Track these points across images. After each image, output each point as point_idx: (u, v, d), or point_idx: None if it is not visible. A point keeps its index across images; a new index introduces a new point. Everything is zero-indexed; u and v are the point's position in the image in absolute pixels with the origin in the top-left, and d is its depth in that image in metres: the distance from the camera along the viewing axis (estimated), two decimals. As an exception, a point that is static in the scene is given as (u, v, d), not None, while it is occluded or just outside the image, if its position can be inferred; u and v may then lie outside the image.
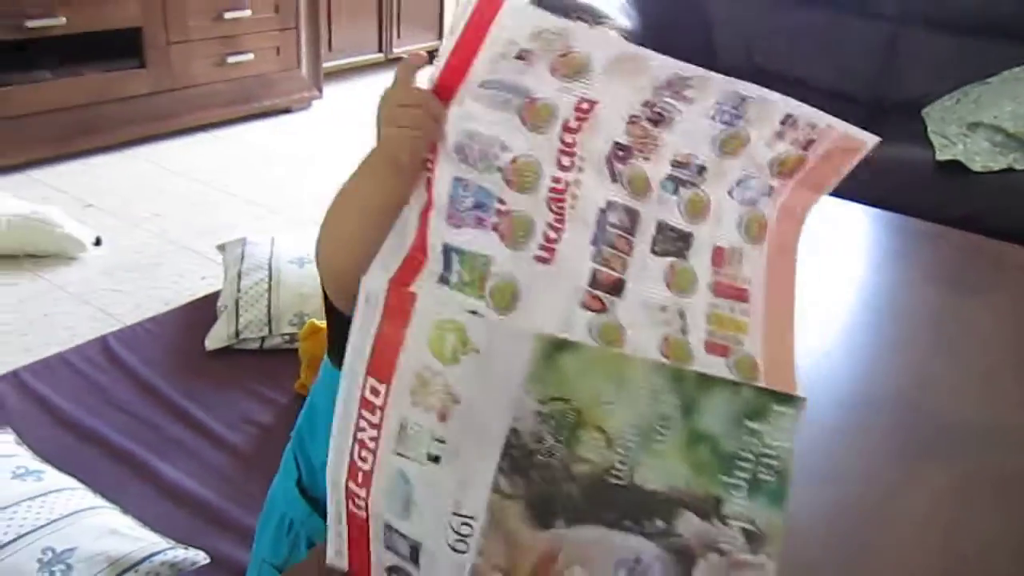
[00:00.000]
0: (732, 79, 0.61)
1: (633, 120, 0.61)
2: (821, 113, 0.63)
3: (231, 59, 3.37)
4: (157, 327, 2.03)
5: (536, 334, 0.57)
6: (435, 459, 0.58)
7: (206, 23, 3.25)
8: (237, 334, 1.93)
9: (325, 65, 3.82)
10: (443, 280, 0.59)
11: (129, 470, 1.58)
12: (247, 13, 3.38)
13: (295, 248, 2.10)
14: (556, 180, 0.60)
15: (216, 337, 1.95)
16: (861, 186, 2.17)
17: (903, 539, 0.74)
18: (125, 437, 1.66)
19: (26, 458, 1.48)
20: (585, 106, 0.59)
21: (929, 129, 2.35)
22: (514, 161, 0.59)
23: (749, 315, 0.63)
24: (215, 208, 2.77)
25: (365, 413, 0.59)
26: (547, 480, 0.58)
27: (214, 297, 2.10)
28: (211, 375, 1.87)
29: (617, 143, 0.61)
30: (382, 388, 0.58)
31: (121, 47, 3.05)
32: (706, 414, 0.59)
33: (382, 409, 0.58)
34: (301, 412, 0.99)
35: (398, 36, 4.22)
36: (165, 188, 2.88)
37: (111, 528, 1.32)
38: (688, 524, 0.58)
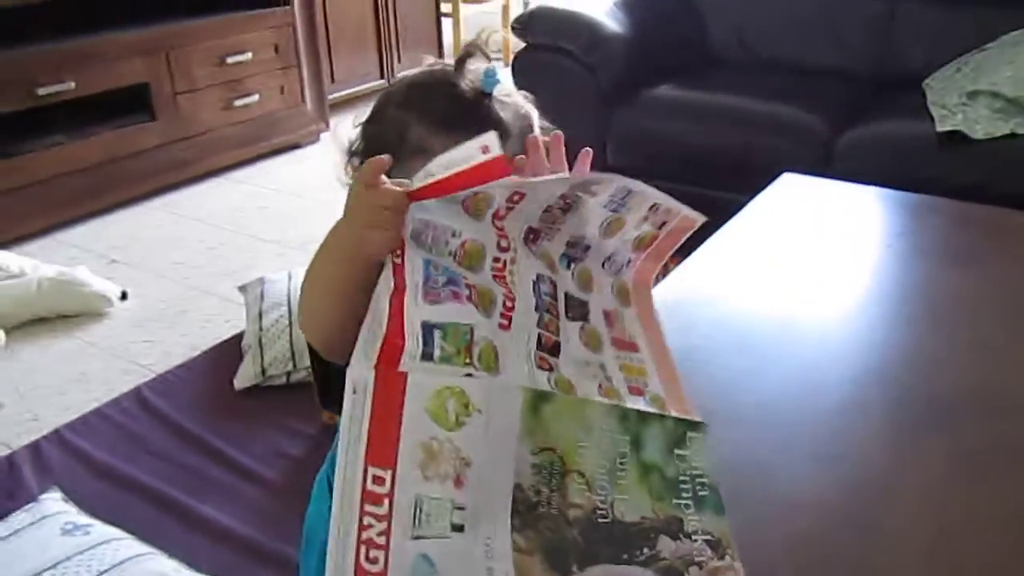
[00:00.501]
0: (628, 180, 0.69)
1: (547, 209, 0.68)
2: (676, 202, 0.73)
3: (237, 103, 3.45)
4: (187, 373, 2.09)
5: (523, 387, 0.61)
6: (459, 528, 0.59)
7: (210, 70, 3.33)
8: (263, 372, 1.98)
9: (330, 97, 3.88)
10: (427, 356, 0.60)
11: (171, 514, 1.63)
12: (248, 56, 3.45)
13: (313, 283, 2.14)
14: (496, 260, 0.66)
15: (244, 376, 2.00)
16: (865, 166, 2.18)
17: (903, 514, 0.76)
18: (164, 482, 1.71)
19: (73, 514, 1.54)
20: (516, 198, 0.65)
21: (929, 101, 2.34)
22: (463, 244, 0.64)
23: (644, 362, 0.71)
24: (234, 251, 2.83)
25: (370, 507, 0.58)
26: (552, 529, 0.61)
27: (239, 338, 2.16)
28: (242, 414, 1.92)
29: (529, 227, 0.68)
30: (387, 474, 0.58)
31: (130, 103, 3.13)
32: (648, 447, 0.65)
33: (389, 497, 0.58)
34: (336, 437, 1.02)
35: (399, 61, 4.28)
36: (184, 236, 2.95)
37: (159, 573, 1.37)
38: (666, 546, 0.64)
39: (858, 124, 2.30)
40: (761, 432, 0.87)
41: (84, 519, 1.52)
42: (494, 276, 0.65)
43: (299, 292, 0.74)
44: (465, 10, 4.88)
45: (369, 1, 4.13)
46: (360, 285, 0.65)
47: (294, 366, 1.99)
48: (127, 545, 1.45)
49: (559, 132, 0.79)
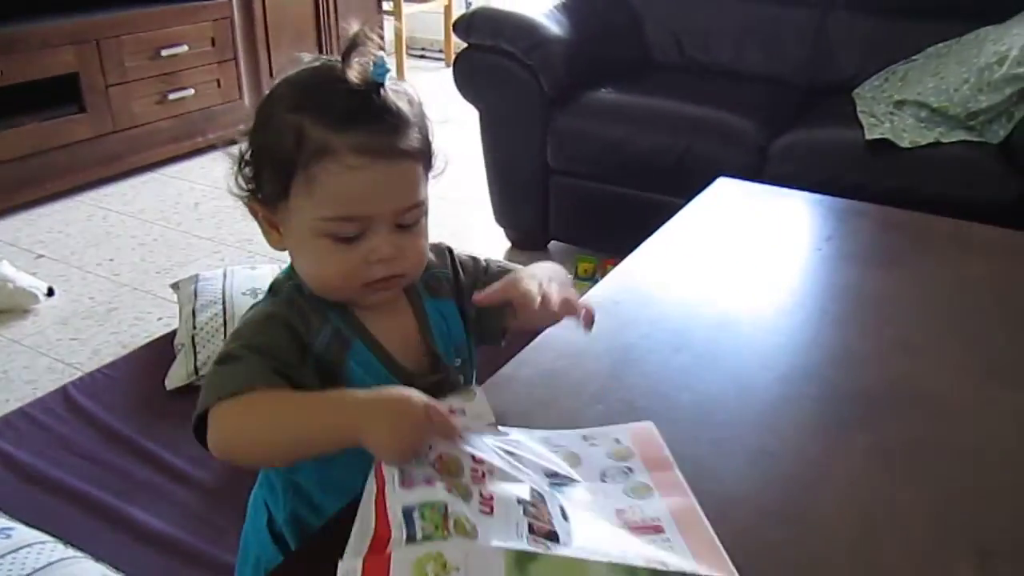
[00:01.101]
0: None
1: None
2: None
3: (172, 96, 3.37)
4: (116, 372, 2.03)
5: (507, 550, 0.62)
6: None
7: (143, 63, 3.25)
8: (196, 371, 1.95)
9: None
10: (410, 538, 0.62)
11: (99, 517, 1.59)
12: (184, 49, 3.38)
13: (248, 280, 2.11)
14: (474, 469, 0.69)
15: (175, 376, 1.96)
16: (797, 170, 2.23)
17: (830, 506, 0.78)
18: (92, 485, 1.66)
19: (-7, 516, 1.49)
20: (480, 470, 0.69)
21: (859, 109, 2.41)
22: (440, 457, 0.68)
23: (670, 541, 0.71)
24: (167, 247, 2.77)
25: None
26: None
27: (171, 336, 2.11)
28: (173, 414, 1.88)
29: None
30: None
31: (59, 94, 3.04)
32: None
33: None
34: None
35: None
36: (115, 232, 2.88)
37: (84, 577, 1.33)
38: None
39: (791, 130, 2.36)
40: (697, 429, 0.88)
41: (4, 522, 1.47)
42: (473, 480, 0.68)
43: (241, 415, 0.72)
44: (407, 9, 4.86)
45: (309, -4, 4.08)
46: (326, 454, 0.72)
47: (228, 365, 1.95)
48: (51, 548, 1.40)
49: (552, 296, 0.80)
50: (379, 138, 0.74)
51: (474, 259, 0.93)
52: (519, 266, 0.91)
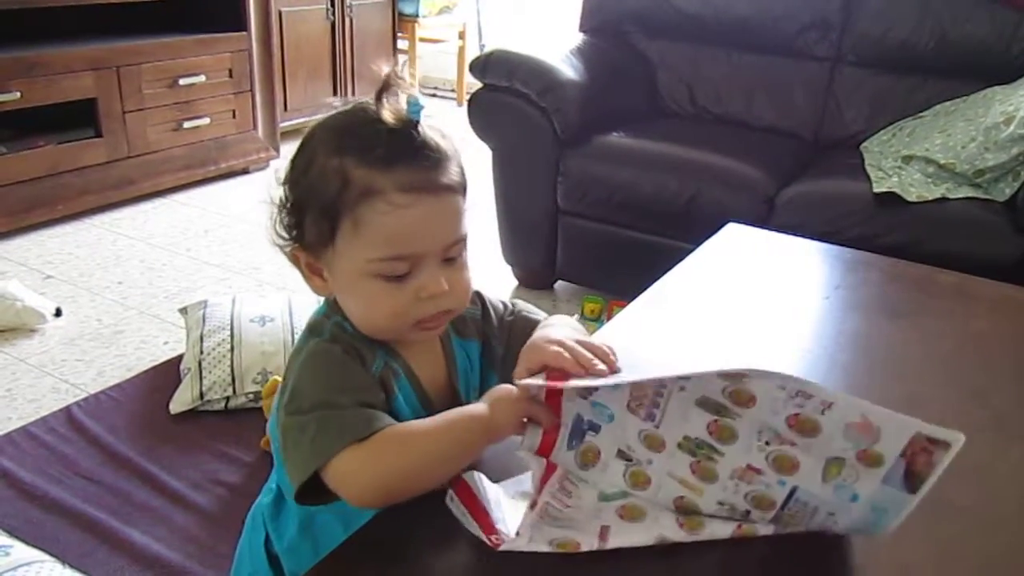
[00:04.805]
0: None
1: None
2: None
3: (187, 124, 3.42)
4: (121, 394, 2.04)
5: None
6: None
7: (161, 90, 3.30)
8: (201, 396, 1.95)
9: (281, 125, 3.88)
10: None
11: (98, 539, 1.58)
12: (201, 79, 3.43)
13: (256, 307, 2.13)
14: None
15: (180, 400, 1.96)
16: (804, 220, 2.25)
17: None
18: (92, 506, 1.66)
19: (-8, 533, 1.48)
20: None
21: (866, 163, 2.45)
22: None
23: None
24: (176, 273, 2.79)
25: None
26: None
27: (177, 361, 2.12)
28: (176, 439, 1.88)
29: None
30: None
31: (76, 118, 3.08)
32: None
33: None
34: (270, 476, 1.00)
35: (353, 93, 4.30)
36: (125, 255, 2.90)
37: (81, 598, 1.33)
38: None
39: (798, 180, 2.39)
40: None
41: (4, 539, 1.47)
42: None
43: (394, 466, 0.73)
44: (421, 48, 4.94)
45: (326, 32, 4.16)
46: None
47: (234, 391, 1.96)
48: (49, 568, 1.40)
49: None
50: (423, 174, 0.74)
51: (502, 302, 0.95)
52: (543, 314, 0.93)
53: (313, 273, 0.81)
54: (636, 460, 0.73)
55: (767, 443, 0.70)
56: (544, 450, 0.73)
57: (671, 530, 0.73)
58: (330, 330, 0.81)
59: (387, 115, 0.74)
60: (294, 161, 0.80)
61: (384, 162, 0.74)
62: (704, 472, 0.72)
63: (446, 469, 0.74)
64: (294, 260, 0.82)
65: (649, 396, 0.71)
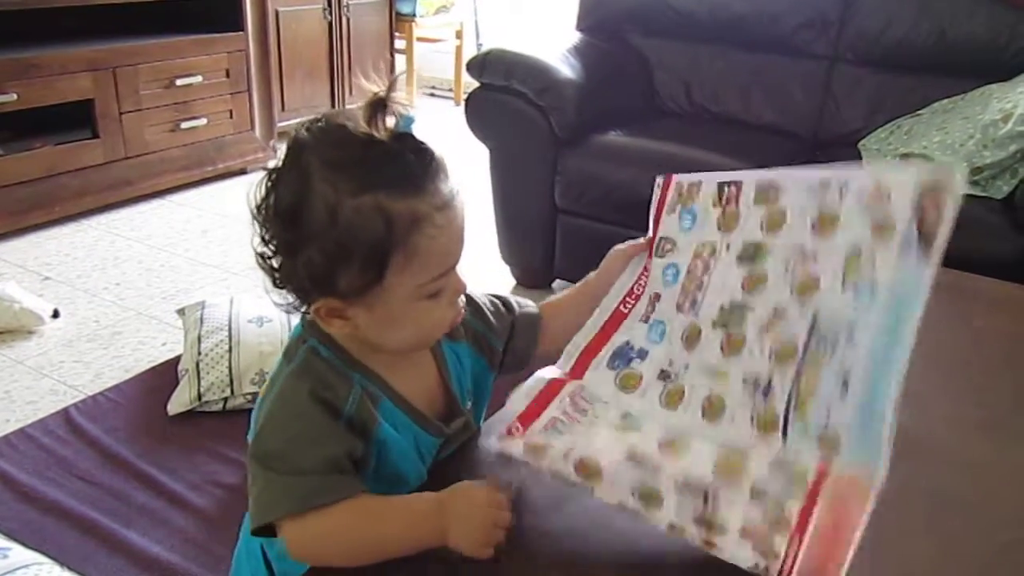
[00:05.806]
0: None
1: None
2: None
3: (184, 125, 3.41)
4: (118, 395, 2.03)
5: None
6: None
7: (158, 91, 3.30)
8: (199, 397, 1.95)
9: (279, 124, 3.87)
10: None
11: (96, 540, 1.58)
12: (198, 79, 3.43)
13: (254, 308, 2.12)
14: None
15: (178, 402, 1.96)
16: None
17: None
18: (91, 507, 1.66)
19: (-10, 536, 1.48)
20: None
21: (864, 160, 2.45)
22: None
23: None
24: (173, 273, 2.78)
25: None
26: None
27: (175, 362, 2.11)
28: (175, 440, 1.88)
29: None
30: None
31: (73, 119, 3.08)
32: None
33: None
34: None
35: (350, 93, 4.30)
36: (122, 256, 2.89)
37: (79, 600, 1.33)
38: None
39: (797, 179, 2.39)
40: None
41: (2, 542, 1.46)
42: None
43: (316, 543, 0.74)
44: (419, 48, 4.93)
45: (323, 32, 4.15)
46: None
47: (232, 392, 1.96)
48: (47, 570, 1.40)
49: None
50: (443, 186, 0.74)
51: (488, 297, 0.94)
52: (532, 303, 0.96)
53: (335, 317, 0.76)
54: (674, 376, 0.82)
55: (792, 272, 0.78)
56: (577, 372, 0.86)
57: (672, 510, 0.72)
58: (302, 357, 0.78)
59: (378, 136, 0.72)
60: (302, 223, 0.72)
61: (414, 186, 0.72)
62: (733, 345, 0.79)
63: (376, 560, 0.74)
64: (316, 312, 0.76)
65: (704, 261, 0.86)
